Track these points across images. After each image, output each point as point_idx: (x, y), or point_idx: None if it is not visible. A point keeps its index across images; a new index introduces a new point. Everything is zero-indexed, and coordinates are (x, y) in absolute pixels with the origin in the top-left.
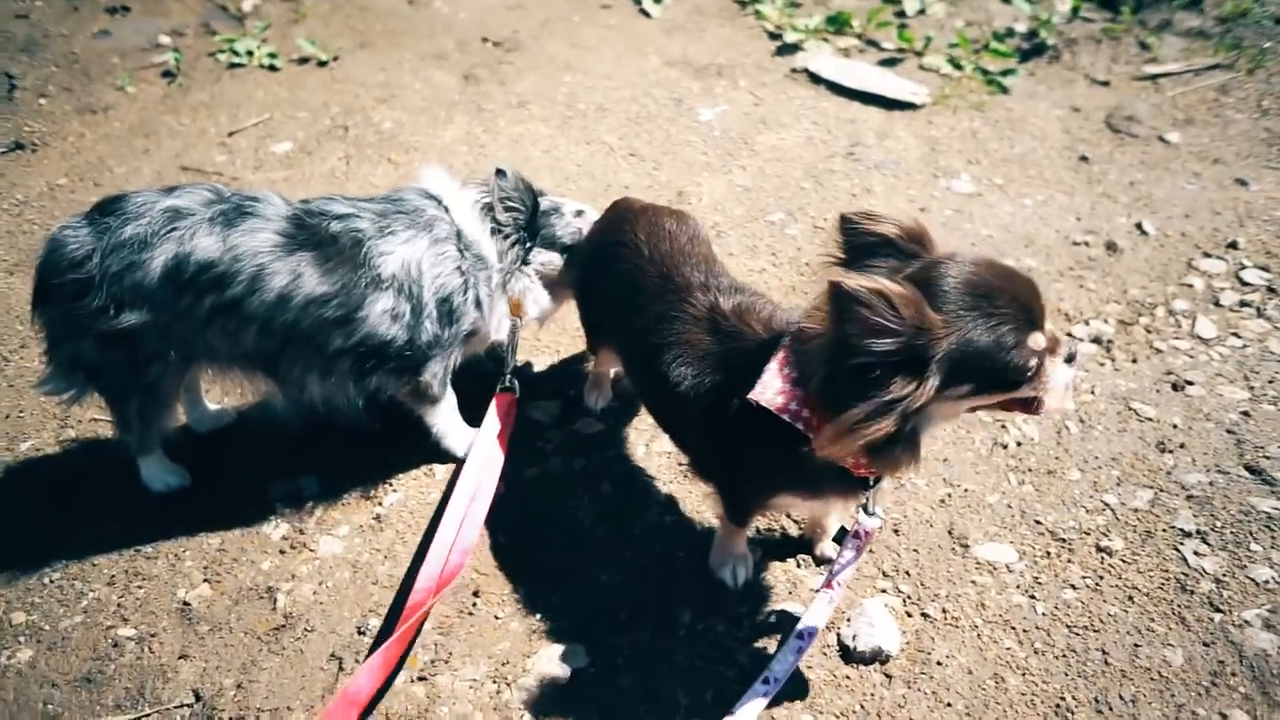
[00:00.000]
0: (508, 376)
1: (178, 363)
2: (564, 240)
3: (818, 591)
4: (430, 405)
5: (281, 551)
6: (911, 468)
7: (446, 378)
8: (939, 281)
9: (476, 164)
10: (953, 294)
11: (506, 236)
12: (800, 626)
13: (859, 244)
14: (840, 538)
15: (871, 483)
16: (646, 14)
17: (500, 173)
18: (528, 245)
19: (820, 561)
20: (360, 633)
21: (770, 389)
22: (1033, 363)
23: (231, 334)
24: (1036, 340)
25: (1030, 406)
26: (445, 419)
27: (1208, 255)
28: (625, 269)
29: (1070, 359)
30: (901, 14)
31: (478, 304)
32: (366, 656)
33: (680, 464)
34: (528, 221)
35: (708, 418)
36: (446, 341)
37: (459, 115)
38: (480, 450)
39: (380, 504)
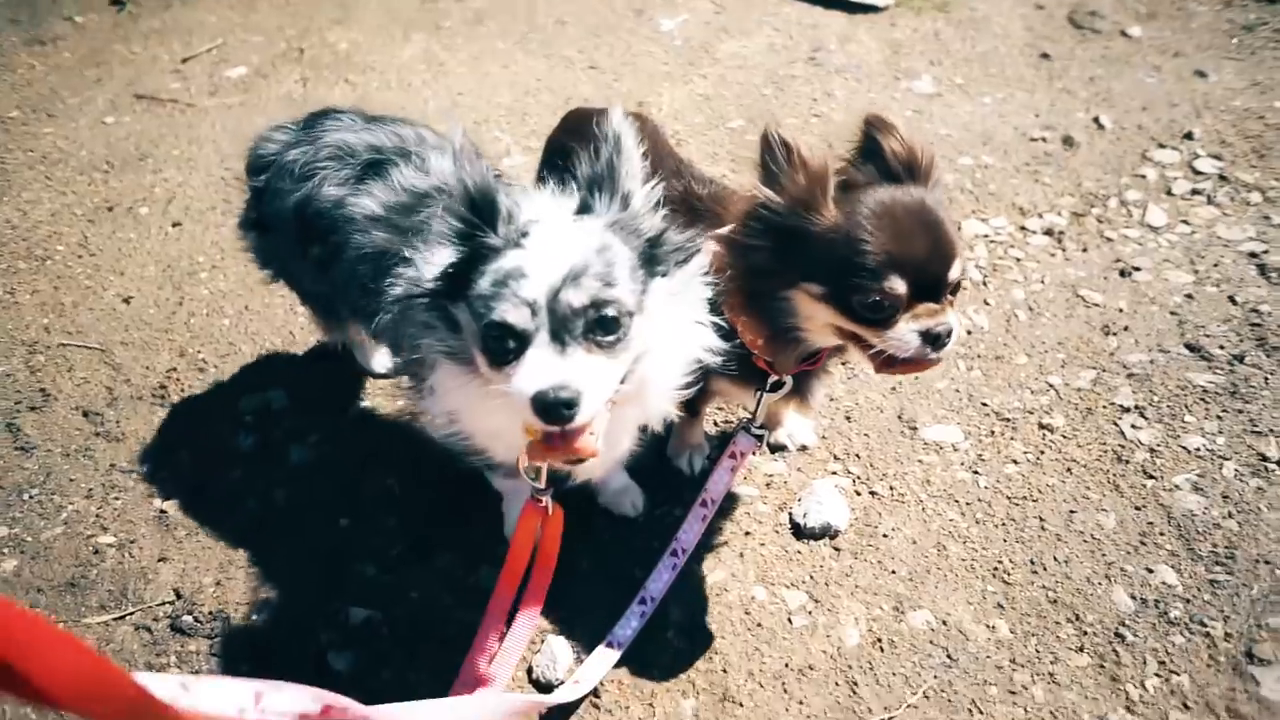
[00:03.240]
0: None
1: None
2: None
3: (691, 507)
4: None
5: (252, 460)
6: (786, 364)
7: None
8: (865, 194)
9: (435, 82)
10: (862, 205)
11: None
12: (675, 544)
13: (871, 148)
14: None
15: (768, 386)
16: None
17: None
18: None
19: (774, 449)
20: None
21: None
22: (883, 305)
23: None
24: (894, 285)
25: (881, 362)
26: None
27: (1162, 146)
28: None
29: (933, 340)
30: None
31: None
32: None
33: None
34: None
35: None
36: None
37: (416, 33)
38: None
39: (347, 411)
